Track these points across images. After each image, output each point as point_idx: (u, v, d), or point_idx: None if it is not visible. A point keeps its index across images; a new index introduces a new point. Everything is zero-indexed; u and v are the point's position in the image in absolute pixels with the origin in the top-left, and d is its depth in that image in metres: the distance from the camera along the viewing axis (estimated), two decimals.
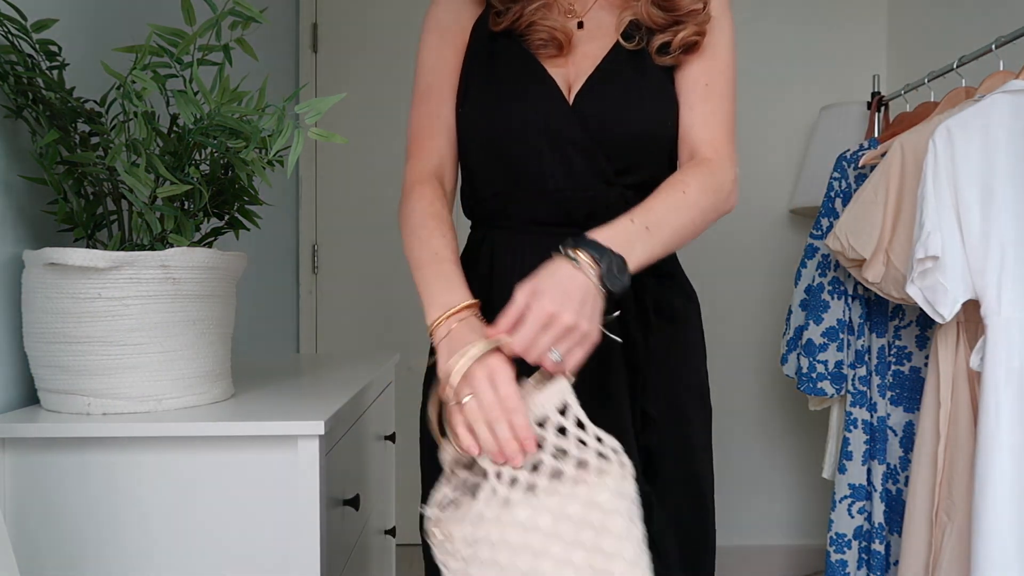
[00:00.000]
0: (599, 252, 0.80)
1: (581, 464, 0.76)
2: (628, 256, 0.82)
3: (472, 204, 1.06)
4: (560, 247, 0.81)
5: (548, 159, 0.96)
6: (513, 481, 0.74)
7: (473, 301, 0.85)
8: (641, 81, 0.98)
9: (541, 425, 0.76)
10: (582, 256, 0.79)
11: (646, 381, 0.96)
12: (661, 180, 0.96)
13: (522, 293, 0.78)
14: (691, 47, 0.97)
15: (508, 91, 0.98)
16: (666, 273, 1.02)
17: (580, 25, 1.02)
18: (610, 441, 0.78)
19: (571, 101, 0.97)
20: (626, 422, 0.92)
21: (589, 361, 0.83)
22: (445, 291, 0.86)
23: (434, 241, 0.91)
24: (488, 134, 0.98)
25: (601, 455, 0.76)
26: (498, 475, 0.74)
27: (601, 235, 0.82)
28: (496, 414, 0.74)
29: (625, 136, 0.97)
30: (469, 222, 1.09)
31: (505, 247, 0.99)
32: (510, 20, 0.98)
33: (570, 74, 0.99)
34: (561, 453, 0.76)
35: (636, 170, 0.98)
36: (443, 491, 0.79)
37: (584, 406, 0.79)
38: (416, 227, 0.93)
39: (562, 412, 0.77)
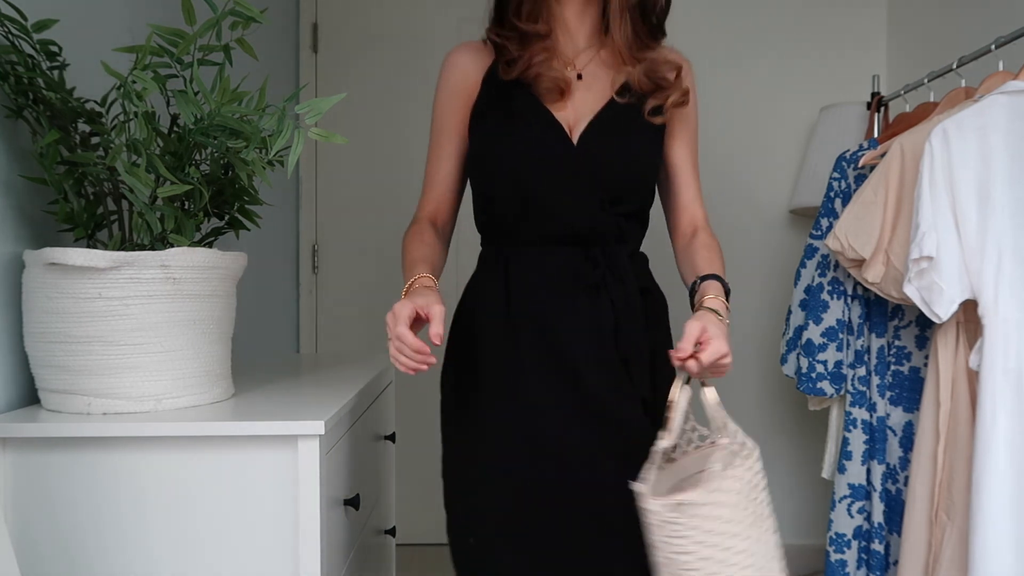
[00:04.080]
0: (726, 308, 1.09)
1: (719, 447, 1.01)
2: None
3: (486, 222, 1.24)
4: (707, 308, 1.06)
5: (557, 191, 1.15)
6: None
7: (430, 275, 1.13)
8: (634, 132, 1.18)
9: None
10: (725, 312, 1.08)
11: (638, 372, 1.16)
12: (644, 209, 1.23)
13: (694, 329, 1.01)
14: (679, 106, 1.19)
15: (523, 134, 1.16)
16: (648, 288, 1.23)
17: (579, 77, 1.20)
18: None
19: (575, 142, 1.15)
20: (638, 403, 1.15)
21: (595, 356, 1.13)
22: (416, 270, 1.13)
23: (419, 251, 1.17)
24: (507, 169, 1.16)
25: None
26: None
27: (718, 295, 1.10)
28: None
29: (621, 175, 1.17)
30: (476, 236, 1.28)
31: (519, 259, 1.18)
32: (520, 70, 1.16)
33: (570, 117, 1.17)
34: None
35: (627, 202, 1.18)
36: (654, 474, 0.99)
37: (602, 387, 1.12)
38: (408, 246, 1.19)
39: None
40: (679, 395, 1.03)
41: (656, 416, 1.14)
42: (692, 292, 1.15)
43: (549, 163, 1.14)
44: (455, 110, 1.24)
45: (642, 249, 1.27)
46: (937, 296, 1.40)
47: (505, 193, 1.17)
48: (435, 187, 1.25)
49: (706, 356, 1.00)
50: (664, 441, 1.01)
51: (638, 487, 0.97)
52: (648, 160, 1.20)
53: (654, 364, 1.17)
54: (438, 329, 1.01)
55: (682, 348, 1.00)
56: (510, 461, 1.12)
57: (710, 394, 1.03)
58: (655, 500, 0.94)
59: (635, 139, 1.18)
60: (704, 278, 1.13)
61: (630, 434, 1.11)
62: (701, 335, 1.01)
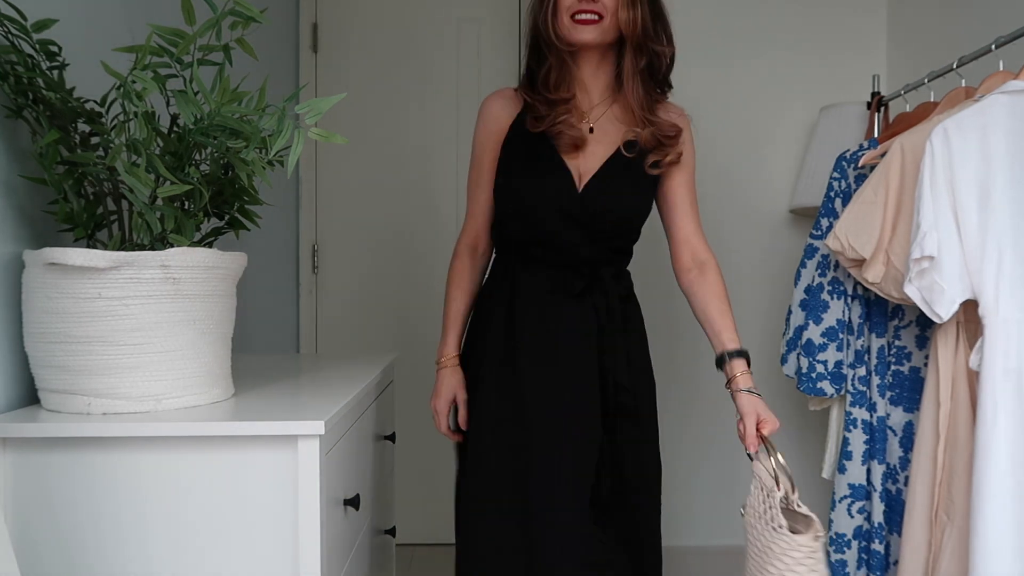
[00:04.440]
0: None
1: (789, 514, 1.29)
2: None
3: (501, 242, 1.50)
4: (747, 391, 1.38)
5: (559, 226, 1.40)
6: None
7: (456, 353, 1.50)
8: (631, 183, 1.42)
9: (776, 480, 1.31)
10: (754, 384, 1.39)
11: (615, 364, 1.41)
12: (628, 247, 1.48)
13: (752, 422, 1.36)
14: (674, 163, 1.45)
15: (541, 180, 1.40)
16: (627, 296, 1.48)
17: (591, 130, 1.43)
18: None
19: (580, 188, 1.39)
20: (596, 393, 1.39)
21: (579, 352, 1.39)
22: (449, 339, 1.50)
23: (456, 304, 1.51)
24: (522, 206, 1.42)
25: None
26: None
27: (745, 372, 1.40)
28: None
29: (612, 219, 1.41)
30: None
31: (525, 275, 1.44)
32: (546, 127, 1.40)
33: (581, 165, 1.41)
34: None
35: (614, 240, 1.44)
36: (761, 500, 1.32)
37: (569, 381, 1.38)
38: (452, 288, 1.52)
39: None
40: (761, 465, 1.34)
41: (637, 398, 1.45)
42: (720, 361, 1.42)
43: (557, 205, 1.39)
44: (490, 149, 1.48)
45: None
46: (938, 296, 1.40)
47: (520, 223, 1.43)
48: (476, 216, 1.52)
49: (767, 433, 1.36)
50: (779, 493, 1.29)
51: (788, 537, 1.26)
52: (637, 210, 1.45)
53: (629, 358, 1.44)
54: (464, 416, 1.45)
55: (751, 444, 1.36)
56: (504, 419, 1.39)
57: (779, 458, 1.34)
58: (800, 536, 1.25)
59: (629, 191, 1.43)
60: (732, 355, 1.41)
61: (585, 408, 1.38)
62: (759, 422, 1.35)
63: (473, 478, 1.39)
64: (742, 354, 1.40)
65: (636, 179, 1.43)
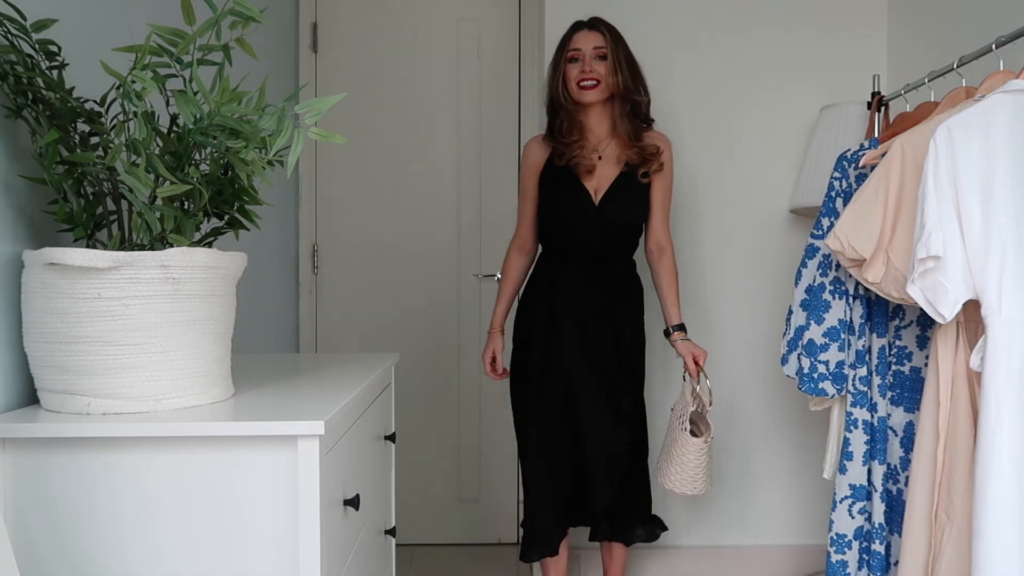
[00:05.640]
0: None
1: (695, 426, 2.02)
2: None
3: (546, 245, 2.11)
4: (684, 334, 2.08)
5: (584, 232, 2.00)
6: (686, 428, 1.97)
7: (501, 324, 2.16)
8: (632, 194, 2.02)
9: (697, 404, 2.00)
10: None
11: (624, 331, 2.04)
12: (635, 240, 2.09)
13: (691, 360, 2.03)
14: (658, 171, 2.04)
15: (568, 199, 2.00)
16: (632, 282, 2.08)
17: (599, 157, 2.03)
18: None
19: (597, 203, 1.99)
20: (612, 349, 2.02)
21: (600, 325, 2.03)
22: (498, 313, 2.16)
23: (507, 290, 2.16)
24: (557, 220, 2.03)
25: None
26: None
27: (678, 320, 2.09)
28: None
29: (623, 224, 2.03)
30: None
31: (563, 268, 2.04)
32: (566, 161, 2.00)
33: (595, 185, 2.01)
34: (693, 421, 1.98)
35: (625, 238, 2.05)
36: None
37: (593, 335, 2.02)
38: (505, 277, 2.16)
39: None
40: (689, 385, 2.01)
41: (632, 354, 2.06)
42: (667, 332, 2.09)
43: (581, 216, 1.99)
44: (532, 178, 2.09)
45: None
46: (942, 296, 1.40)
47: (556, 234, 2.05)
48: (523, 225, 2.13)
49: (702, 362, 2.03)
50: (692, 407, 1.97)
51: (687, 436, 1.94)
52: (640, 214, 2.06)
53: (631, 327, 2.06)
54: (499, 365, 2.16)
55: (693, 374, 2.02)
56: (546, 371, 2.01)
57: (703, 385, 1.99)
58: (695, 439, 1.93)
59: (632, 200, 2.02)
60: (675, 328, 2.08)
61: (604, 360, 2.01)
62: (695, 356, 2.02)
63: (526, 405, 2.05)
64: (680, 326, 2.07)
65: (635, 190, 2.02)
